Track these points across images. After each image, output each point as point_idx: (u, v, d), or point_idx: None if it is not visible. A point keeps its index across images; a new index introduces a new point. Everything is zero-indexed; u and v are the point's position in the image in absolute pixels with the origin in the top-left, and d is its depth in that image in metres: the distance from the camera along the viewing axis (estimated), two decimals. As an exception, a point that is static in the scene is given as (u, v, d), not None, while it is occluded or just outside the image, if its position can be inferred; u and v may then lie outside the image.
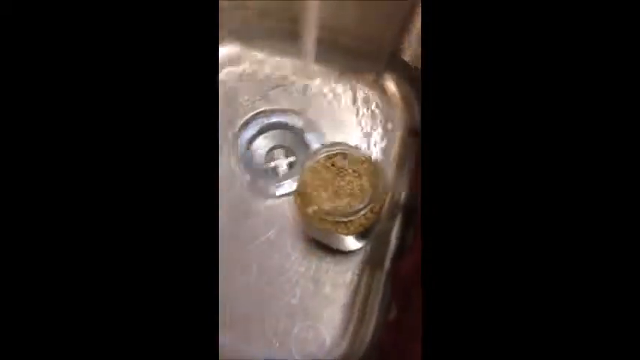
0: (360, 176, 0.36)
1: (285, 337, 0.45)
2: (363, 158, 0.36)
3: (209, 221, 0.21)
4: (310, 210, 0.36)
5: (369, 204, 0.35)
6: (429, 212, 0.20)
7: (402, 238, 0.47)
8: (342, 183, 0.36)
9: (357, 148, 0.37)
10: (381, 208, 0.36)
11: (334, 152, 0.37)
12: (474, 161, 0.20)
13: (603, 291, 0.19)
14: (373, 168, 0.36)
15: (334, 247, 0.45)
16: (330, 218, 0.35)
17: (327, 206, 0.35)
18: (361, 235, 0.41)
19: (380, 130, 0.50)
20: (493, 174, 0.20)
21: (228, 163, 0.50)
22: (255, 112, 0.52)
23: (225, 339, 0.44)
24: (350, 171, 0.36)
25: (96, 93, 0.21)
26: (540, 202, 0.19)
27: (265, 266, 0.46)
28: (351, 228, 0.36)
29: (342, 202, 0.36)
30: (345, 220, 0.35)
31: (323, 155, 0.36)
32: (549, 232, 0.19)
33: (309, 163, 0.36)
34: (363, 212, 0.35)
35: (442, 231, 0.20)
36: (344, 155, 0.37)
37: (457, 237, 0.20)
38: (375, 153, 0.49)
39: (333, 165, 0.37)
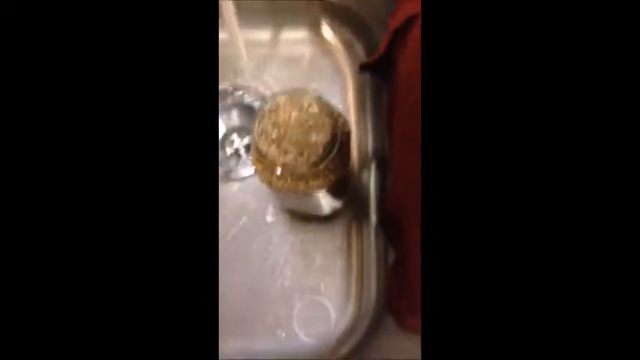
0: (310, 117, 0.33)
1: (288, 323, 0.41)
2: (310, 101, 0.33)
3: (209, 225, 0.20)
4: (276, 172, 0.32)
5: (332, 142, 0.32)
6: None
7: (381, 187, 0.44)
8: (293, 133, 0.33)
9: (303, 91, 0.34)
10: (345, 151, 0.33)
11: (278, 104, 0.33)
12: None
13: (601, 292, 0.18)
14: (321, 105, 0.33)
15: (314, 213, 0.41)
16: (297, 170, 0.32)
17: (288, 159, 0.32)
18: (338, 193, 0.38)
19: (328, 74, 0.47)
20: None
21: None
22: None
23: (229, 344, 0.40)
24: (297, 115, 0.33)
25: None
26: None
27: (247, 256, 0.43)
28: (321, 180, 0.33)
29: (305, 148, 0.32)
30: (313, 170, 0.32)
31: (266, 112, 0.33)
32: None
33: (255, 127, 0.33)
34: (330, 154, 0.32)
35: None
36: (290, 103, 0.33)
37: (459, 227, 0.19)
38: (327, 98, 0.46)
39: (282, 117, 0.33)
